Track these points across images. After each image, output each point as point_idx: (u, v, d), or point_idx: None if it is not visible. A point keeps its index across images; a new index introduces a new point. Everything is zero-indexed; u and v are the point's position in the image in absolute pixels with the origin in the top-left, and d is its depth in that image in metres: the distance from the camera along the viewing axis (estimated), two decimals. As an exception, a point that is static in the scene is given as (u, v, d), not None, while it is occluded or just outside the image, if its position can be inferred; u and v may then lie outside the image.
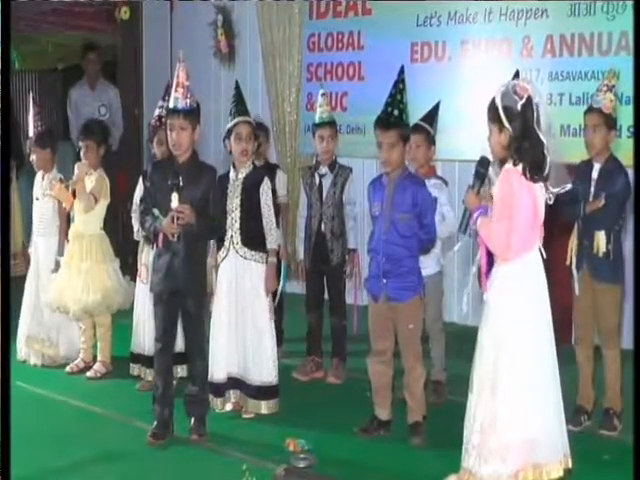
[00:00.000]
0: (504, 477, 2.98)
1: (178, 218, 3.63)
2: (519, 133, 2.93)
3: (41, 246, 4.93)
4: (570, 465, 3.07)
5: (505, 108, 2.93)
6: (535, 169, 2.94)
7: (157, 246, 3.79)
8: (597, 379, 4.06)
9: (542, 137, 2.93)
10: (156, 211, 3.72)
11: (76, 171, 4.65)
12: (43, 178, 4.93)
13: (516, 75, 4.12)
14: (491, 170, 3.11)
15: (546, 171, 2.95)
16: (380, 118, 3.74)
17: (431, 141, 4.27)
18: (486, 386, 3.01)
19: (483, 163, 3.10)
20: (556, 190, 2.99)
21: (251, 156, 4.16)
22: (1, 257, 3.46)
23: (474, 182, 3.10)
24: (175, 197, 3.63)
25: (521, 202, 2.94)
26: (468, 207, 3.09)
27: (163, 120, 4.07)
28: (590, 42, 5.09)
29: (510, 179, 2.96)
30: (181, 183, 3.66)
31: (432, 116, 4.35)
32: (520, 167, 2.96)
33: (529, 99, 2.93)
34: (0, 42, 3.39)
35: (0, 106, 3.51)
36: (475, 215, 3.05)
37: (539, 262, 3.05)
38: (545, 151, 2.92)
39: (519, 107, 2.92)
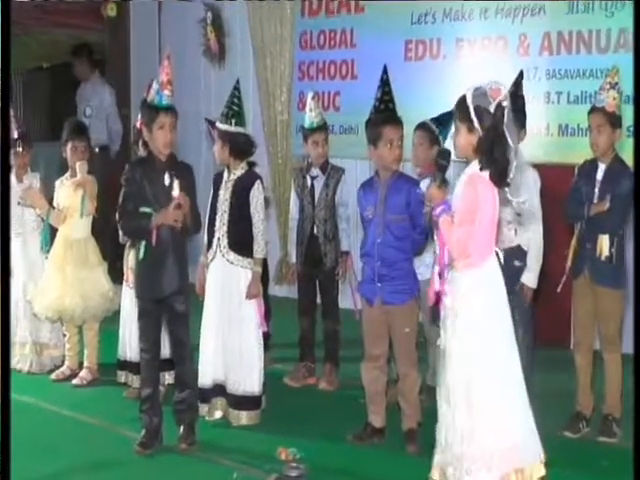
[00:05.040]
0: None
1: (180, 206, 3.59)
2: (489, 136, 2.89)
3: (32, 249, 4.85)
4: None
5: (477, 108, 2.88)
6: (501, 174, 2.90)
7: (148, 246, 3.67)
8: (595, 385, 4.01)
9: (510, 141, 2.88)
10: (147, 209, 3.64)
11: (78, 172, 4.61)
12: (22, 180, 4.84)
13: (520, 75, 4.07)
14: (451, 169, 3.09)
15: (510, 176, 2.90)
16: (385, 114, 3.70)
17: (434, 141, 4.19)
18: (461, 395, 2.98)
19: (444, 155, 3.06)
20: (515, 199, 2.96)
21: (226, 160, 4.06)
22: (1, 258, 3.40)
23: (436, 175, 3.05)
24: (177, 185, 3.59)
25: (485, 209, 2.92)
26: (431, 201, 3.02)
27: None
28: (588, 39, 5.03)
29: (476, 185, 2.93)
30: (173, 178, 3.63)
31: (442, 119, 4.25)
32: (487, 173, 2.92)
33: (500, 102, 2.89)
34: (0, 43, 3.32)
35: (0, 106, 3.44)
36: (438, 210, 2.99)
37: (498, 266, 3.03)
38: (511, 155, 2.88)
39: (492, 109, 2.88)
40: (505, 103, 2.88)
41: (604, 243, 3.79)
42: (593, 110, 3.86)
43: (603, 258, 3.80)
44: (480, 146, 2.92)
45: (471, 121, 2.90)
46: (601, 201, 3.79)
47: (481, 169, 2.93)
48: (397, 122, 3.69)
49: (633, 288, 3.77)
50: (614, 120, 3.78)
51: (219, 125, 4.06)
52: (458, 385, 2.99)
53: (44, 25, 7.28)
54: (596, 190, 3.83)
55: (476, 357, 2.96)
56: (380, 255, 3.67)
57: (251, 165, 4.13)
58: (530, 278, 3.94)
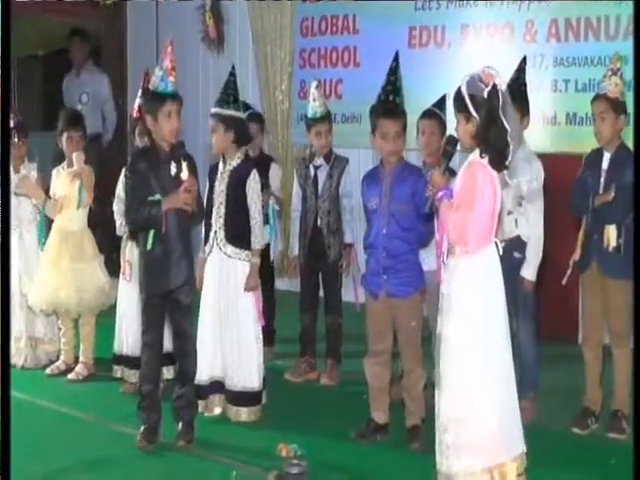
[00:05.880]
0: (478, 472, 2.95)
1: (190, 190, 3.55)
2: (485, 121, 2.91)
3: (28, 241, 4.79)
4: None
5: (471, 97, 2.91)
6: (499, 158, 2.93)
7: (157, 234, 3.58)
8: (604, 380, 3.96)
9: (506, 124, 2.90)
10: (157, 195, 3.57)
11: (75, 163, 4.53)
12: (18, 171, 4.75)
13: (523, 61, 4.00)
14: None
15: (509, 159, 2.94)
16: (383, 106, 3.62)
17: (444, 129, 4.11)
18: (455, 381, 2.98)
19: (450, 142, 3.08)
20: (514, 180, 3.04)
21: (224, 149, 3.97)
22: (1, 259, 3.38)
23: (441, 161, 3.07)
24: (185, 167, 3.54)
25: (484, 196, 2.93)
26: (434, 186, 3.02)
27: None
28: (597, 26, 4.93)
29: (475, 173, 2.94)
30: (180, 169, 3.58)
31: (442, 104, 4.20)
32: (486, 159, 2.93)
33: (494, 86, 2.89)
34: (0, 41, 3.28)
35: (0, 104, 3.38)
36: (439, 195, 2.99)
37: (496, 254, 3.03)
38: (509, 138, 2.91)
39: (485, 95, 2.89)
40: (498, 86, 2.89)
41: (611, 234, 3.74)
42: (596, 98, 3.82)
43: (610, 249, 3.74)
44: (478, 133, 2.92)
45: (467, 110, 2.91)
46: (606, 191, 3.73)
47: (481, 155, 2.93)
48: (394, 115, 3.58)
49: (633, 285, 3.66)
50: (617, 106, 3.72)
51: (222, 111, 3.96)
52: (453, 370, 2.99)
53: (39, 13, 7.19)
54: (602, 180, 3.77)
55: (468, 345, 2.96)
56: (385, 246, 3.61)
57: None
58: (529, 271, 3.88)
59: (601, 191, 3.76)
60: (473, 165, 2.96)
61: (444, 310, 3.05)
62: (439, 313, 3.09)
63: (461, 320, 2.99)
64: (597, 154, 3.84)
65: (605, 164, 3.78)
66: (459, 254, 2.99)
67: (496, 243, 3.02)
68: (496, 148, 2.91)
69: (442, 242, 3.05)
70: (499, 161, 2.93)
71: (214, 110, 3.98)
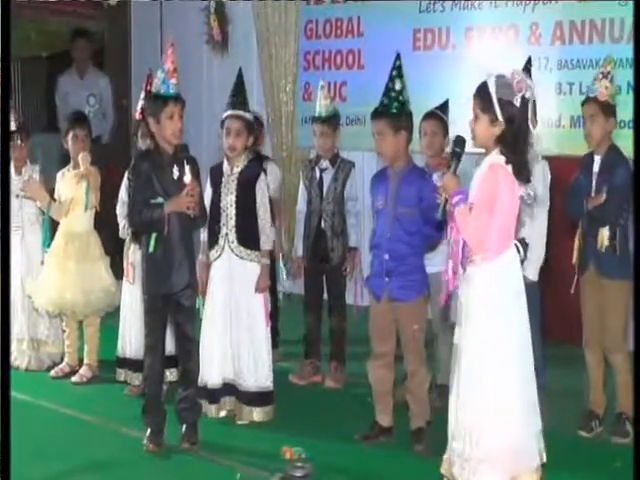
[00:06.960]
0: None
1: (192, 194, 3.54)
2: (514, 130, 2.84)
3: (30, 243, 4.78)
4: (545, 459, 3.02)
5: (500, 100, 2.83)
6: (524, 170, 2.87)
7: (159, 237, 3.58)
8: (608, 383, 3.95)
9: (534, 135, 2.85)
10: (160, 199, 3.57)
11: (81, 164, 4.52)
12: (20, 173, 4.75)
13: (528, 62, 3.99)
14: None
15: (532, 171, 2.92)
16: (378, 108, 3.66)
17: (447, 130, 4.12)
18: (475, 392, 2.92)
19: (459, 142, 2.99)
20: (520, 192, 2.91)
21: (242, 151, 3.99)
22: (1, 259, 3.39)
23: (451, 163, 2.99)
24: (188, 170, 3.54)
25: (504, 200, 2.86)
26: (447, 190, 2.93)
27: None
28: (602, 28, 4.91)
29: (497, 176, 2.85)
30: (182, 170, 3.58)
31: (445, 107, 4.22)
32: (510, 167, 2.86)
33: (526, 95, 2.84)
34: (0, 41, 3.28)
35: (0, 104, 3.39)
36: (455, 200, 2.90)
37: (517, 258, 2.97)
38: (534, 149, 2.89)
39: (517, 102, 2.82)
40: (528, 95, 2.82)
41: (604, 235, 3.75)
42: (586, 100, 3.84)
43: (603, 249, 3.74)
44: (503, 139, 2.86)
45: (494, 113, 2.84)
46: (598, 194, 3.74)
47: (507, 162, 2.86)
48: (375, 116, 3.62)
49: (633, 284, 3.65)
50: (607, 109, 3.74)
51: (244, 114, 3.98)
52: (472, 380, 2.93)
53: (43, 13, 7.19)
54: (593, 183, 3.79)
55: (489, 354, 2.89)
56: (389, 248, 3.59)
57: (262, 158, 4.04)
58: (530, 270, 3.84)
59: (593, 194, 3.77)
60: (495, 168, 2.87)
61: (462, 319, 2.98)
62: (457, 324, 3.02)
63: (481, 329, 2.92)
64: (589, 158, 3.85)
65: (596, 167, 3.79)
66: (479, 262, 2.92)
67: (515, 244, 2.96)
68: (522, 159, 2.86)
69: (458, 250, 2.95)
70: (523, 172, 2.86)
71: (237, 112, 3.96)
